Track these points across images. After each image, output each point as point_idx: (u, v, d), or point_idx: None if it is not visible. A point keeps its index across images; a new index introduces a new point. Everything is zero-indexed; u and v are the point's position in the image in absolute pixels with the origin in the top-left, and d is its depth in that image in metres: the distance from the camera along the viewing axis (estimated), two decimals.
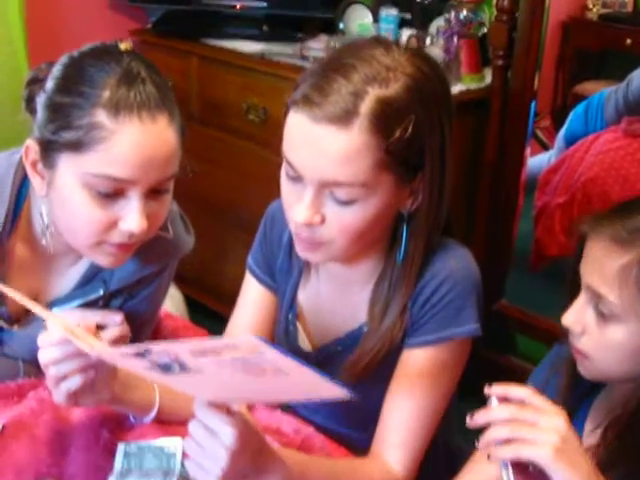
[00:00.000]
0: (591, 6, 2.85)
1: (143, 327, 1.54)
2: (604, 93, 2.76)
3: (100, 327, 1.31)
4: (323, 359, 1.47)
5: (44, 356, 1.16)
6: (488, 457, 1.03)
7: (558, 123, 2.89)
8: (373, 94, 1.20)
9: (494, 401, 1.05)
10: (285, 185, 1.30)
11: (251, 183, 2.82)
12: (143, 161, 1.27)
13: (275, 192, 1.40)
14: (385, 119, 1.20)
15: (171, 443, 1.31)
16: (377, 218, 1.27)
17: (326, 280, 1.49)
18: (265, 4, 3.02)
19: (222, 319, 1.59)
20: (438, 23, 2.72)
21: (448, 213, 1.37)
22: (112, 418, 1.36)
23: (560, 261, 2.71)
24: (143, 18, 3.27)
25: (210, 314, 2.81)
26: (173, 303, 2.53)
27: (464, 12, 2.61)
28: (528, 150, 2.63)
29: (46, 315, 1.16)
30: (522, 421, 1.01)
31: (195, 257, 3.19)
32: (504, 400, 1.05)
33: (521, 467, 1.01)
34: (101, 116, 1.25)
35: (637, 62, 2.63)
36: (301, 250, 1.34)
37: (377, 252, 1.40)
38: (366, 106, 1.19)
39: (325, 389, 0.98)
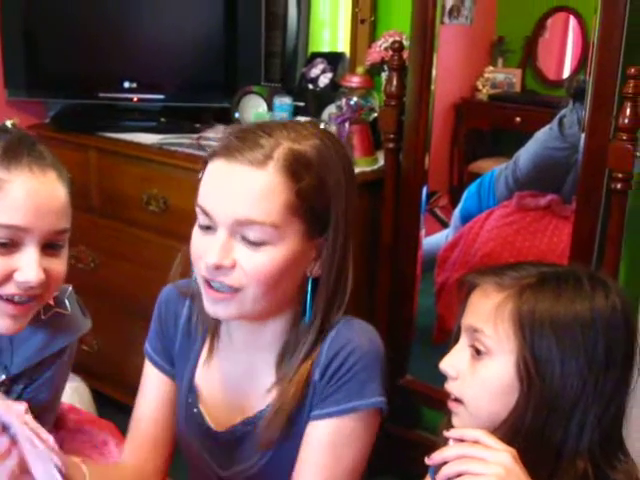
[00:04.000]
0: (481, 87, 2.96)
1: (44, 415, 1.52)
2: (495, 171, 2.86)
3: None
4: (233, 439, 1.48)
5: None
6: None
7: (455, 201, 2.97)
8: (287, 145, 1.32)
9: (451, 442, 1.15)
10: (196, 238, 1.36)
11: (153, 273, 2.79)
12: (36, 208, 1.32)
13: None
14: (296, 165, 1.31)
15: None
16: (286, 268, 1.33)
17: (229, 356, 1.50)
18: (161, 96, 3.08)
19: (130, 410, 1.59)
20: (330, 110, 2.79)
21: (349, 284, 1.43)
22: None
23: None
24: (41, 113, 3.28)
25: (117, 406, 2.77)
26: (79, 397, 2.50)
27: (354, 99, 2.68)
28: (423, 229, 2.70)
29: None
30: (472, 457, 1.09)
31: (100, 350, 3.17)
32: (460, 441, 1.14)
33: None
34: None
35: (526, 139, 2.74)
36: (211, 303, 1.37)
37: (283, 317, 1.43)
38: (279, 152, 1.31)
39: None
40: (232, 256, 1.31)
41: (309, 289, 1.39)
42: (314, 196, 1.32)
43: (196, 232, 1.36)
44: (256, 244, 1.30)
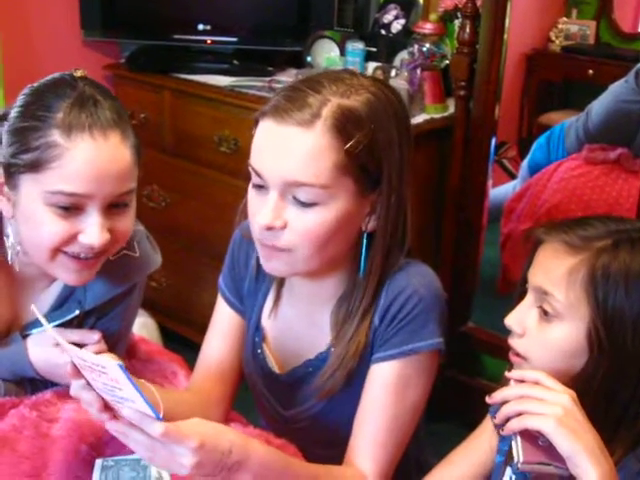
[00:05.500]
0: (554, 38, 2.92)
1: (116, 345, 1.58)
2: (565, 123, 2.84)
3: (79, 345, 1.36)
4: (294, 381, 1.52)
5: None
6: (502, 430, 1.13)
7: (524, 153, 2.95)
8: (335, 102, 1.30)
9: (512, 383, 1.16)
10: (251, 196, 1.37)
11: (223, 213, 2.83)
12: (96, 176, 1.33)
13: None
14: (345, 123, 1.29)
15: None
16: (338, 227, 1.33)
17: (293, 304, 1.53)
18: (235, 39, 3.09)
19: (196, 346, 1.64)
20: (402, 56, 2.80)
21: (407, 235, 1.43)
22: (90, 433, 1.40)
23: None
24: (116, 54, 3.32)
25: (184, 342, 2.84)
26: (148, 331, 2.56)
27: (427, 45, 2.70)
28: (490, 179, 2.70)
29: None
30: (531, 397, 1.11)
31: (168, 287, 3.23)
32: (521, 382, 1.16)
33: (531, 440, 1.11)
34: (55, 136, 1.32)
35: (599, 92, 2.70)
36: (265, 259, 1.39)
37: (341, 272, 1.44)
38: (328, 110, 1.29)
39: None
40: (283, 217, 1.32)
41: (364, 244, 1.40)
42: (365, 154, 1.30)
43: (250, 190, 1.37)
44: (307, 204, 1.30)
